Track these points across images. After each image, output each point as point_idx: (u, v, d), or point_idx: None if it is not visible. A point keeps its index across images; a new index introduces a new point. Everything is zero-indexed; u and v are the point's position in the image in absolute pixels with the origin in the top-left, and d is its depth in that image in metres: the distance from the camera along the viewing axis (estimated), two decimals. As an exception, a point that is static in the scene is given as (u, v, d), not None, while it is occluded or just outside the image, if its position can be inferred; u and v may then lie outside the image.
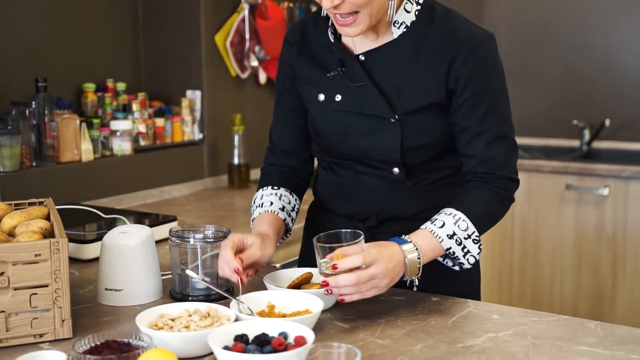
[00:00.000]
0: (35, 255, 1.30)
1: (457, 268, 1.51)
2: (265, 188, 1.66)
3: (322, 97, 1.58)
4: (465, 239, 1.47)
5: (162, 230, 2.01)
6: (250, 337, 1.24)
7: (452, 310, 1.50)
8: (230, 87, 3.04)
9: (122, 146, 2.57)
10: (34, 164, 2.33)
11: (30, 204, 1.62)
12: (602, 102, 3.89)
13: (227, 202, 2.76)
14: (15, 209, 1.57)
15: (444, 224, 1.46)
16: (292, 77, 1.65)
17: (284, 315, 1.39)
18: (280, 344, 1.20)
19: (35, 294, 1.31)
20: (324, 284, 1.35)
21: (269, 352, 1.18)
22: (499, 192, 1.52)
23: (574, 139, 3.93)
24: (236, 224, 2.34)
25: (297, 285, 1.51)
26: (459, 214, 1.47)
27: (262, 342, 1.22)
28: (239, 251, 1.46)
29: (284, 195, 1.65)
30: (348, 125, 1.56)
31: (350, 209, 1.64)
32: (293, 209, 1.66)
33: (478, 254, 1.49)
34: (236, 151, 2.94)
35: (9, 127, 2.18)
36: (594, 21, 3.90)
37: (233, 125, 2.93)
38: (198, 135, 2.92)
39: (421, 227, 1.47)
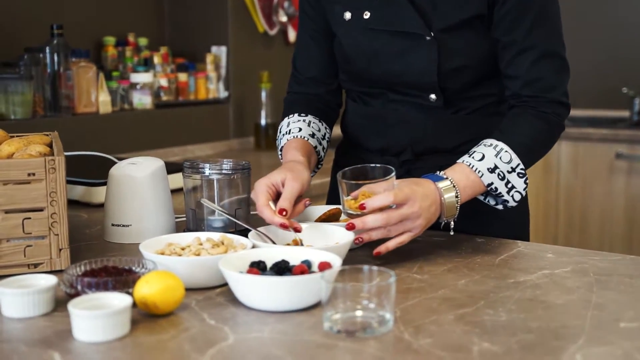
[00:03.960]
0: (29, 175, 1.16)
1: (500, 207, 1.32)
2: (291, 115, 1.48)
3: (348, 15, 1.41)
4: (509, 172, 1.27)
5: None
6: (269, 265, 1.08)
7: (500, 250, 1.32)
8: (257, 43, 2.88)
9: (142, 100, 2.44)
10: (48, 114, 2.20)
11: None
12: (654, 68, 3.65)
13: (253, 162, 2.59)
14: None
15: (483, 157, 1.26)
16: None
17: (310, 250, 1.22)
18: (302, 272, 1.04)
19: (29, 218, 1.16)
20: (350, 227, 1.17)
21: (289, 277, 1.01)
22: (547, 118, 1.32)
23: (623, 109, 3.69)
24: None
25: (325, 221, 1.35)
26: (501, 145, 1.27)
27: (282, 270, 1.06)
28: (275, 197, 1.26)
29: (313, 122, 1.47)
30: (378, 46, 1.38)
31: (382, 143, 1.47)
32: (324, 138, 1.48)
33: (524, 190, 1.29)
34: (263, 111, 2.79)
35: (20, 72, 2.05)
36: (645, -17, 3.66)
37: (260, 83, 2.78)
38: (223, 93, 2.77)
39: (458, 161, 1.28)
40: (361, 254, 1.29)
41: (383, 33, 1.38)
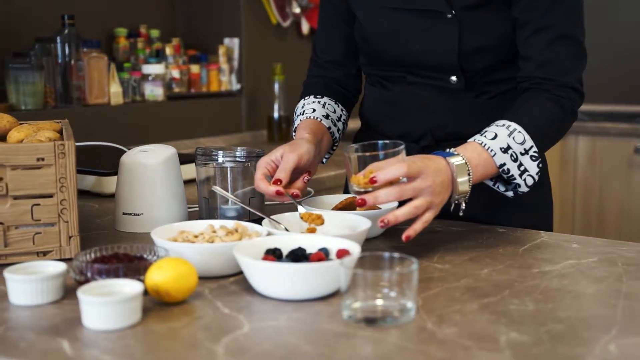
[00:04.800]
0: (38, 160, 1.12)
1: (510, 194, 1.25)
2: (307, 97, 1.47)
3: None
4: (522, 154, 1.20)
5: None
6: (285, 252, 1.04)
7: (523, 240, 1.28)
8: (270, 35, 2.84)
9: (154, 92, 2.40)
10: (59, 104, 2.17)
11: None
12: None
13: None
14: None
15: (496, 136, 1.20)
16: None
17: (326, 238, 1.18)
18: (319, 260, 1.00)
19: (38, 204, 1.13)
20: (360, 202, 1.10)
21: (306, 264, 0.97)
22: (560, 103, 1.26)
23: (642, 104, 3.63)
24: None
25: (341, 210, 1.31)
26: (514, 125, 1.21)
27: (298, 258, 1.02)
28: (273, 172, 1.26)
29: (328, 104, 1.44)
30: (398, 25, 1.35)
31: (401, 128, 1.43)
32: (339, 119, 1.45)
33: (537, 174, 1.22)
34: (276, 104, 2.75)
35: (31, 62, 2.02)
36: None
37: (273, 75, 2.74)
38: (236, 86, 2.73)
39: (469, 140, 1.22)
40: (379, 243, 1.25)
41: (403, 12, 1.34)
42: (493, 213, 1.40)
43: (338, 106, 1.46)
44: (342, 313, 0.90)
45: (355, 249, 1.01)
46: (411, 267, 0.89)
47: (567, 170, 3.30)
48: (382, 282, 0.90)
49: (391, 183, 1.10)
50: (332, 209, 1.31)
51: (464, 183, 1.16)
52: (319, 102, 1.44)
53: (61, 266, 0.98)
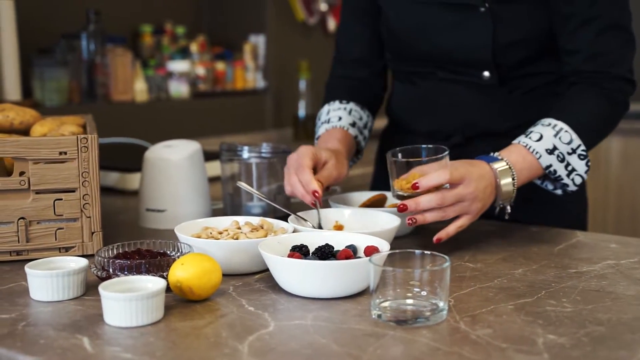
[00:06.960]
0: (60, 154, 1.10)
1: (559, 192, 1.22)
2: (331, 102, 1.40)
3: None
4: (569, 154, 1.17)
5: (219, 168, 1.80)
6: (311, 249, 1.01)
7: (558, 239, 1.23)
8: (296, 32, 2.81)
9: (179, 89, 2.38)
10: (84, 101, 2.16)
11: (67, 120, 1.44)
12: None
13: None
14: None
15: (541, 137, 1.16)
16: None
17: (353, 236, 1.14)
18: (347, 257, 0.97)
19: (60, 199, 1.11)
20: (402, 208, 1.08)
21: (334, 262, 0.94)
22: (611, 96, 1.22)
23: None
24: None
25: (369, 207, 1.27)
26: (560, 124, 1.17)
27: (325, 255, 0.98)
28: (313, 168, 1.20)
29: (354, 110, 1.39)
30: (427, 18, 1.30)
31: (431, 125, 1.38)
32: (365, 127, 1.40)
33: (586, 172, 1.18)
34: (302, 102, 2.72)
35: (56, 59, 2.01)
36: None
37: (299, 73, 2.71)
38: (261, 83, 2.70)
39: (513, 141, 1.18)
40: (408, 242, 1.21)
41: (433, 5, 1.29)
42: (525, 211, 1.35)
43: (364, 112, 1.41)
44: (370, 312, 0.87)
45: (384, 246, 0.97)
46: (443, 264, 0.86)
47: (599, 171, 3.23)
48: (412, 281, 0.86)
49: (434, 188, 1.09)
50: (360, 206, 1.27)
51: (507, 187, 1.14)
52: (344, 108, 1.38)
53: (83, 262, 0.96)
